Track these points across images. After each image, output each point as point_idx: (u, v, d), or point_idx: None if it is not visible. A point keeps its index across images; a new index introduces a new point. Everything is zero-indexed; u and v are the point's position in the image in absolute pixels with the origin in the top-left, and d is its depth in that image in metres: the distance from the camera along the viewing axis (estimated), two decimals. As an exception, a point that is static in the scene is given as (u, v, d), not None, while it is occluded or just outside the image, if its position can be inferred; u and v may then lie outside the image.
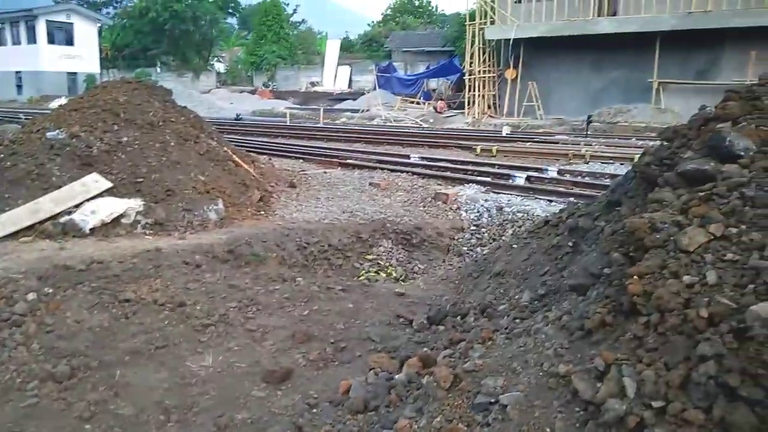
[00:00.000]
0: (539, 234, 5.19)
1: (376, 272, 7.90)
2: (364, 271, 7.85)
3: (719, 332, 1.86)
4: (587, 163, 12.97)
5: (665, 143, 3.28)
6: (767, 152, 2.52)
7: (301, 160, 13.42)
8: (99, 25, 43.59)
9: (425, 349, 3.67)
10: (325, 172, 11.71)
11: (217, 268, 6.12)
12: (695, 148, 2.88)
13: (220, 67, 54.31)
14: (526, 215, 8.63)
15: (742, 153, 2.55)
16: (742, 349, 1.79)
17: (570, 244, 4.38)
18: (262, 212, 8.75)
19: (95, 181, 7.24)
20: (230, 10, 52.70)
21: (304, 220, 8.33)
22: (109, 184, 7.30)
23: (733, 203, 2.27)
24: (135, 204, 7.19)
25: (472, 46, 26.23)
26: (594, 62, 24.11)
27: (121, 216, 7.00)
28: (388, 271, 7.95)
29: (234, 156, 9.51)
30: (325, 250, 7.73)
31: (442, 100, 29.75)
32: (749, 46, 20.19)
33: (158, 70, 44.82)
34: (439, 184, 10.66)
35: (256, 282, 5.55)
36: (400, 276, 7.81)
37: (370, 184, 10.60)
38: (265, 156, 12.83)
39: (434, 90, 32.79)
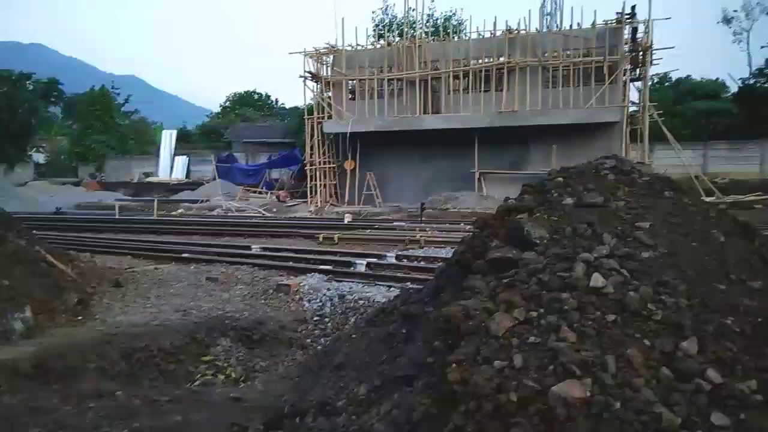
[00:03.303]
0: (376, 322, 5.23)
1: (213, 375, 7.36)
2: (199, 375, 7.28)
3: (527, 415, 1.95)
4: (422, 248, 13.65)
5: (477, 232, 3.54)
6: (558, 239, 2.82)
7: (129, 256, 12.46)
8: None
9: (260, 459, 3.41)
10: (157, 269, 10.96)
11: (19, 388, 5.29)
12: (501, 237, 3.15)
13: (39, 157, 49.82)
14: (367, 302, 8.73)
15: (538, 241, 2.83)
16: (548, 431, 1.89)
17: (403, 331, 4.46)
18: (81, 317, 7.89)
19: None
20: (53, 99, 49.26)
21: (131, 323, 7.62)
22: None
23: (532, 288, 2.48)
24: None
25: (311, 139, 27.12)
26: (424, 154, 26.13)
27: None
28: (227, 372, 7.46)
29: (48, 256, 8.55)
30: (154, 355, 7.08)
31: (284, 189, 29.99)
32: (551, 140, 23.36)
33: (-37, 161, 39.82)
34: (281, 275, 10.48)
35: (67, 401, 4.86)
36: (240, 376, 7.36)
37: (208, 278, 10.11)
38: (87, 253, 11.72)
39: (276, 180, 33.03)
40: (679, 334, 2.10)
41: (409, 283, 9.08)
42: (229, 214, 24.19)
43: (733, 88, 36.52)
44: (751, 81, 37.44)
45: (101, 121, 44.97)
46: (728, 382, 1.92)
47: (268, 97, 58.84)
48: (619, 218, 2.83)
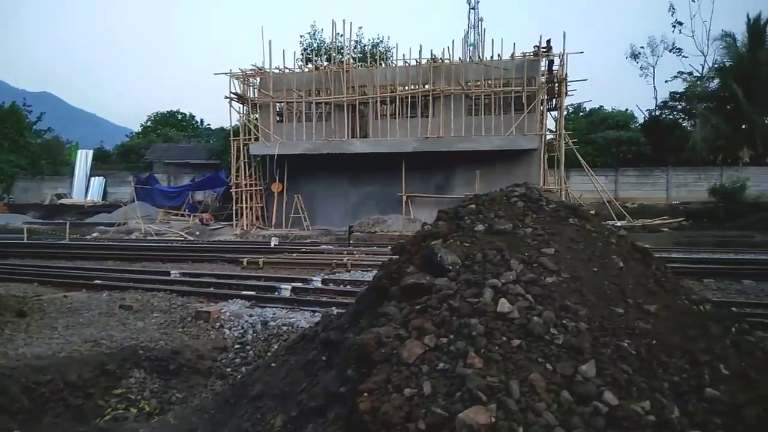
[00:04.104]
0: (297, 349, 5.13)
1: (125, 408, 6.97)
2: (110, 409, 6.87)
3: (435, 443, 1.95)
4: (349, 272, 13.62)
5: (395, 257, 3.56)
6: (469, 265, 2.88)
7: (36, 284, 11.68)
8: None
9: (168, 499, 3.23)
10: (66, 296, 10.31)
11: None
12: (416, 263, 3.18)
13: (-61, 178, 46.09)
14: (291, 328, 8.57)
15: (450, 267, 2.87)
16: (454, 458, 1.89)
17: (323, 358, 4.39)
18: (-23, 351, 7.27)
19: None
20: (-42, 117, 45.90)
21: (34, 356, 7.09)
22: None
23: (443, 314, 2.50)
24: None
25: (237, 160, 26.63)
26: (352, 178, 26.25)
27: None
28: (140, 405, 7.08)
29: (-61, 284, 7.86)
30: (60, 389, 6.63)
31: (208, 212, 29.18)
32: (474, 166, 24.09)
33: None
34: (201, 302, 10.12)
35: (-45, 444, 4.43)
36: (155, 409, 7.00)
37: (121, 306, 9.61)
38: (-13, 281, 10.89)
39: (200, 202, 32.11)
40: (579, 357, 2.18)
41: (334, 308, 9.00)
42: (148, 238, 23.25)
43: (641, 119, 39.21)
44: (657, 113, 40.39)
45: (10, 139, 42.23)
46: (624, 404, 2.00)
47: (192, 117, 57.35)
48: (526, 244, 2.93)
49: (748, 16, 33.66)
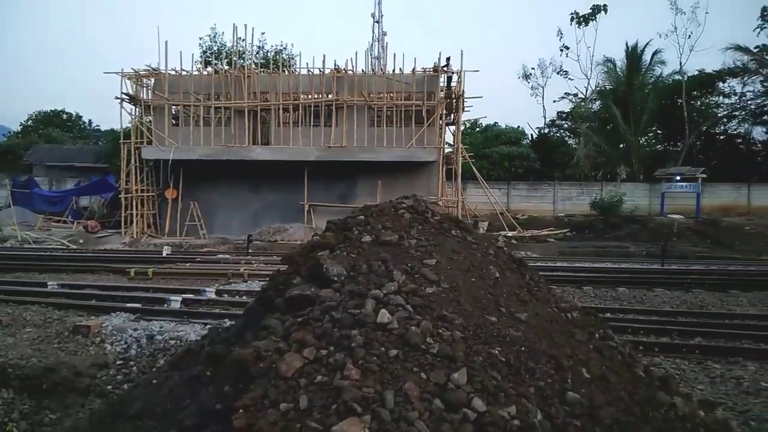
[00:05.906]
0: (182, 364, 4.91)
1: (-10, 433, 6.38)
2: (-30, 436, 6.25)
3: (309, 458, 1.93)
4: (246, 282, 13.25)
5: (282, 268, 3.51)
6: (354, 276, 2.89)
7: None
8: None
9: None
10: None
11: None
12: (303, 274, 3.15)
13: None
14: (179, 342, 8.22)
15: (336, 278, 2.88)
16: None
17: (208, 373, 4.23)
18: None
19: None
20: None
21: None
22: None
23: (325, 326, 2.49)
24: None
25: (128, 165, 25.20)
26: (253, 185, 25.64)
27: None
28: (8, 429, 6.51)
29: None
30: None
31: (94, 219, 27.33)
32: (376, 176, 24.39)
33: None
34: (80, 315, 9.44)
35: None
36: (24, 432, 6.45)
37: (-13, 321, 8.74)
38: None
39: (86, 208, 30.01)
40: (453, 366, 2.25)
41: (227, 320, 8.72)
42: (24, 246, 21.39)
43: (531, 136, 41.60)
44: (546, 130, 43.05)
45: None
46: (491, 410, 2.08)
47: (79, 117, 53.58)
48: (410, 255, 3.00)
49: (626, 44, 36.78)
